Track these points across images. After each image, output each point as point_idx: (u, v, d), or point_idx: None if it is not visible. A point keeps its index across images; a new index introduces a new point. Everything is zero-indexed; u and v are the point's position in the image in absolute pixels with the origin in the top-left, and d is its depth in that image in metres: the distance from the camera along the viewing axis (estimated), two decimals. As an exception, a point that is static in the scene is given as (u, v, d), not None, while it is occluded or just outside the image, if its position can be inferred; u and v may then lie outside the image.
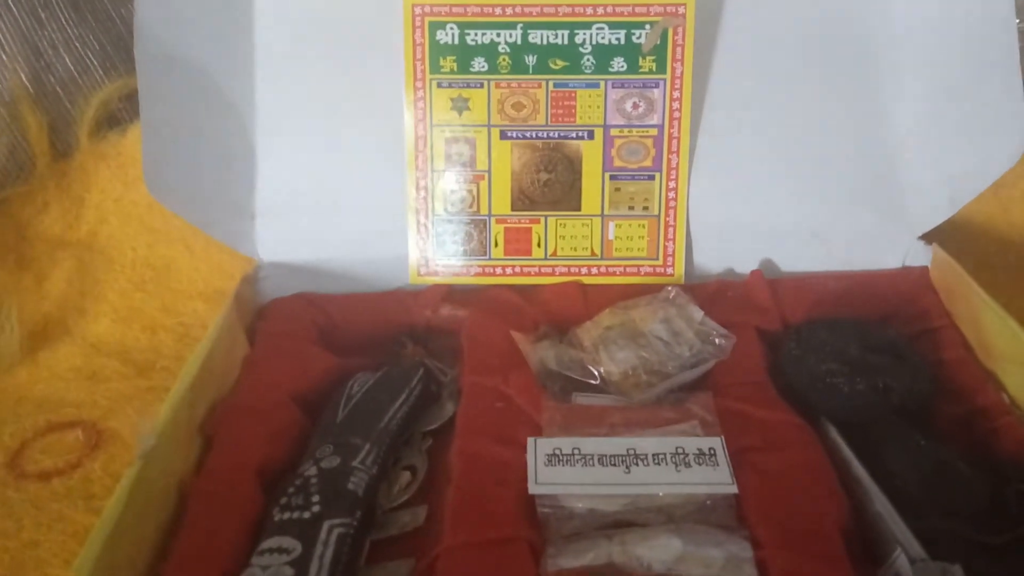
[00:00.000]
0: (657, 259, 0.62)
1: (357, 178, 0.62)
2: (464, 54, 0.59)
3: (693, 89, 0.59)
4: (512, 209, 0.61)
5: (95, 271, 0.66)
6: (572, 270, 0.62)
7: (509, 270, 0.62)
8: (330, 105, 0.61)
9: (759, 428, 0.48)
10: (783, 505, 0.43)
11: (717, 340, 0.54)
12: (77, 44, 0.68)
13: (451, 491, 0.45)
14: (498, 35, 0.59)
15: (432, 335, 0.60)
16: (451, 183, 0.61)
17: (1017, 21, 0.56)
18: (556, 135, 0.60)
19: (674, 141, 0.60)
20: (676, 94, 0.59)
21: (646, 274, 0.62)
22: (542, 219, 0.61)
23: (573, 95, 0.60)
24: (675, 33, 0.58)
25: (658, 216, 0.61)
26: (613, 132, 0.60)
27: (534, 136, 0.60)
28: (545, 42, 0.59)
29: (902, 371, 0.50)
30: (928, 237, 0.61)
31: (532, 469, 0.45)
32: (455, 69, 0.59)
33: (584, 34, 0.58)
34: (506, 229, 0.62)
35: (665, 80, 0.59)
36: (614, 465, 0.45)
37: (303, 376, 0.53)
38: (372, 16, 0.59)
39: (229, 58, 0.60)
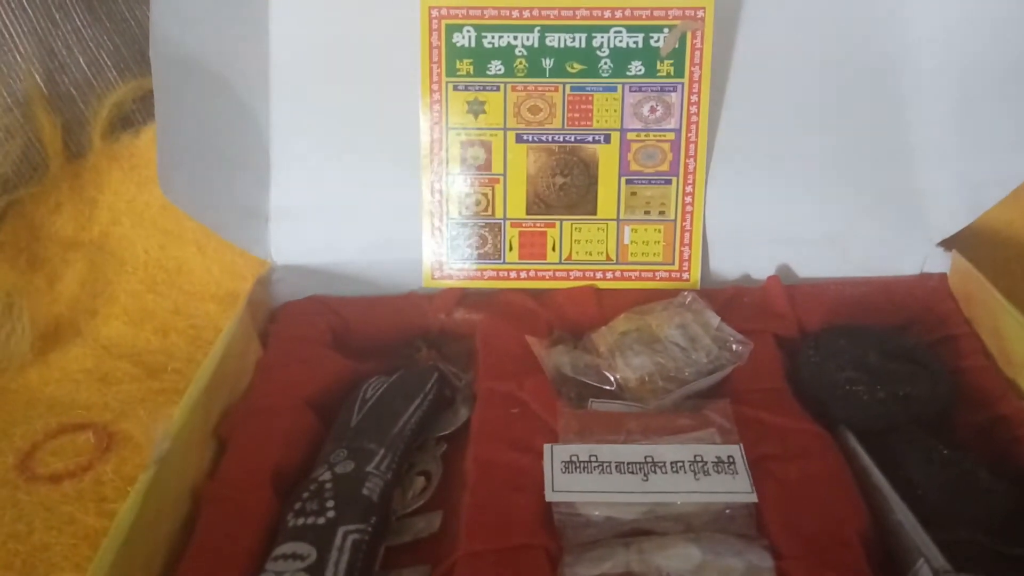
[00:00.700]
0: (673, 264, 0.61)
1: (371, 181, 0.62)
2: (481, 57, 0.59)
3: (711, 93, 0.59)
4: (527, 213, 0.61)
5: (107, 272, 0.66)
6: (587, 275, 0.62)
7: (524, 274, 0.62)
8: (345, 107, 0.61)
9: (778, 436, 0.47)
10: (803, 514, 0.43)
11: (734, 346, 0.53)
12: (91, 45, 0.68)
13: (467, 497, 0.44)
14: (515, 38, 0.58)
15: (446, 339, 0.60)
16: (466, 186, 0.61)
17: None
18: (572, 139, 0.60)
19: (691, 146, 0.60)
20: (694, 98, 0.59)
21: (662, 279, 0.62)
22: (557, 223, 0.61)
23: (590, 99, 0.59)
24: (693, 37, 0.58)
25: (674, 221, 0.61)
26: (630, 136, 0.60)
27: (550, 140, 0.60)
28: (562, 45, 0.58)
29: (922, 379, 0.50)
30: (947, 243, 0.61)
31: (549, 476, 0.44)
32: (471, 72, 0.59)
33: (602, 37, 0.58)
34: (521, 233, 0.61)
35: (683, 84, 0.59)
36: (632, 473, 0.44)
37: (317, 380, 0.53)
38: (389, 18, 0.59)
39: (244, 60, 0.60)
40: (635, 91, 0.59)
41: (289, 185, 0.63)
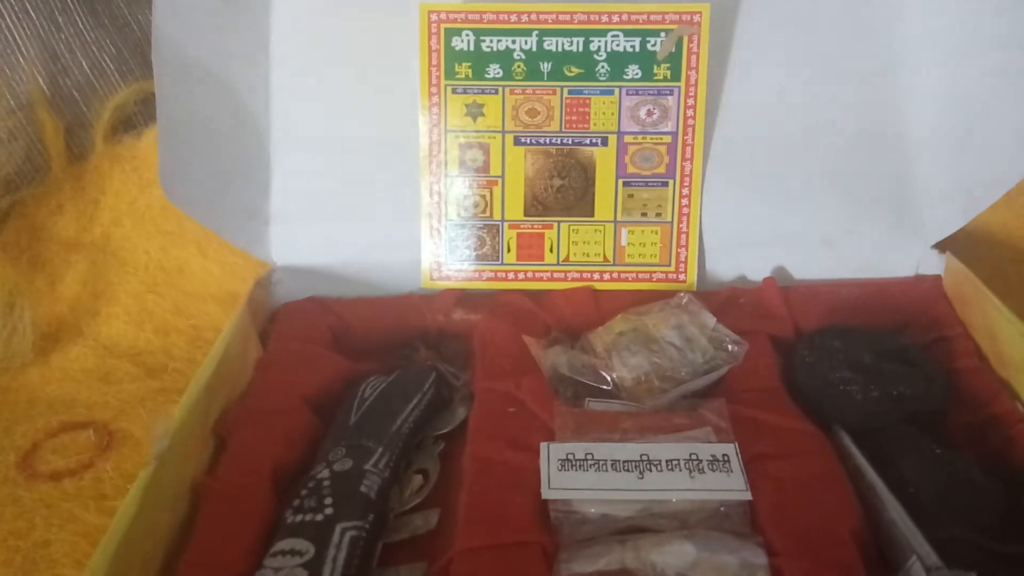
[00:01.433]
0: (670, 265, 0.62)
1: (371, 183, 0.62)
2: (479, 60, 0.59)
3: (707, 97, 0.60)
4: (525, 215, 0.61)
5: (108, 273, 0.67)
6: (584, 276, 0.62)
7: (521, 275, 0.62)
8: (345, 110, 0.62)
9: (772, 435, 0.48)
10: (797, 512, 0.43)
11: (730, 347, 0.54)
12: (94, 48, 0.68)
13: (463, 495, 0.45)
14: (513, 42, 0.59)
15: (444, 339, 0.60)
16: (464, 188, 0.61)
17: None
18: (570, 141, 0.60)
19: (688, 148, 0.60)
20: (690, 101, 0.59)
21: (658, 280, 0.62)
22: (555, 225, 0.62)
23: (587, 102, 0.60)
24: (690, 41, 0.58)
25: (671, 223, 0.61)
26: (627, 139, 0.60)
27: (548, 142, 0.60)
28: (560, 49, 0.59)
29: (916, 379, 0.50)
30: (942, 246, 0.61)
31: (545, 474, 0.45)
32: (470, 75, 0.60)
33: (599, 41, 0.59)
34: (519, 234, 0.62)
35: (679, 87, 0.59)
36: (628, 471, 0.45)
37: (316, 379, 0.53)
38: (388, 22, 0.59)
39: (244, 63, 0.60)
40: (632, 94, 0.60)
41: (289, 187, 0.63)
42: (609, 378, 0.52)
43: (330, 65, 0.61)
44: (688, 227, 0.61)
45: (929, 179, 0.61)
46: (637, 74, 0.59)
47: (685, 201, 0.61)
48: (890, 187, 0.62)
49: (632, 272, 0.62)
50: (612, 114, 0.60)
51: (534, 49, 0.59)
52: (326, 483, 0.44)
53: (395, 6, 0.59)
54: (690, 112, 0.60)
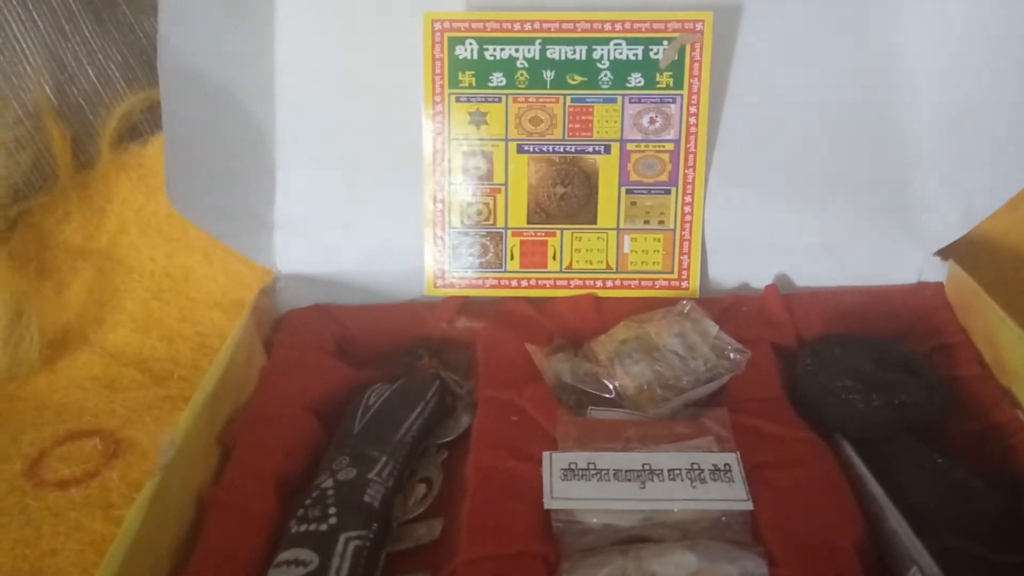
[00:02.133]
0: (672, 273, 0.62)
1: (375, 191, 0.63)
2: (483, 69, 0.59)
3: (710, 105, 0.60)
4: (528, 222, 0.62)
5: (114, 281, 0.67)
6: (587, 283, 0.62)
7: (524, 283, 0.62)
8: (349, 118, 0.62)
9: (774, 444, 0.48)
10: (798, 522, 0.43)
11: (732, 355, 0.54)
12: (100, 57, 0.68)
13: (467, 505, 0.45)
14: (516, 50, 0.59)
15: (448, 347, 0.61)
16: (468, 196, 0.61)
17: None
18: (573, 149, 0.61)
19: (690, 156, 0.60)
20: (693, 109, 0.60)
21: (661, 288, 0.62)
22: (558, 232, 0.62)
23: (590, 110, 0.60)
24: (692, 49, 0.59)
25: (674, 230, 0.62)
26: (630, 147, 0.60)
27: (551, 150, 0.61)
28: (563, 57, 0.59)
29: (917, 388, 0.50)
30: (943, 253, 0.61)
31: (548, 483, 0.45)
32: (473, 84, 0.60)
33: (602, 50, 0.59)
34: (522, 242, 0.62)
35: (682, 95, 0.59)
36: (629, 480, 0.45)
37: (320, 387, 0.53)
38: (392, 31, 0.60)
39: (249, 72, 0.61)
40: (635, 102, 0.60)
41: (294, 195, 0.63)
42: (611, 386, 0.53)
43: (334, 74, 0.61)
44: (691, 235, 0.62)
45: (931, 187, 0.61)
46: (640, 82, 0.60)
47: (688, 209, 0.61)
48: (892, 195, 0.62)
49: (635, 279, 0.62)
50: (615, 122, 0.60)
51: (537, 58, 0.59)
52: (330, 492, 0.44)
53: (399, 15, 0.59)
54: (692, 120, 0.60)
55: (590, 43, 0.59)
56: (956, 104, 0.59)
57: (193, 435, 0.46)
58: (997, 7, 0.55)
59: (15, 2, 0.64)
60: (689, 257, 0.62)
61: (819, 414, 0.50)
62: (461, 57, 0.59)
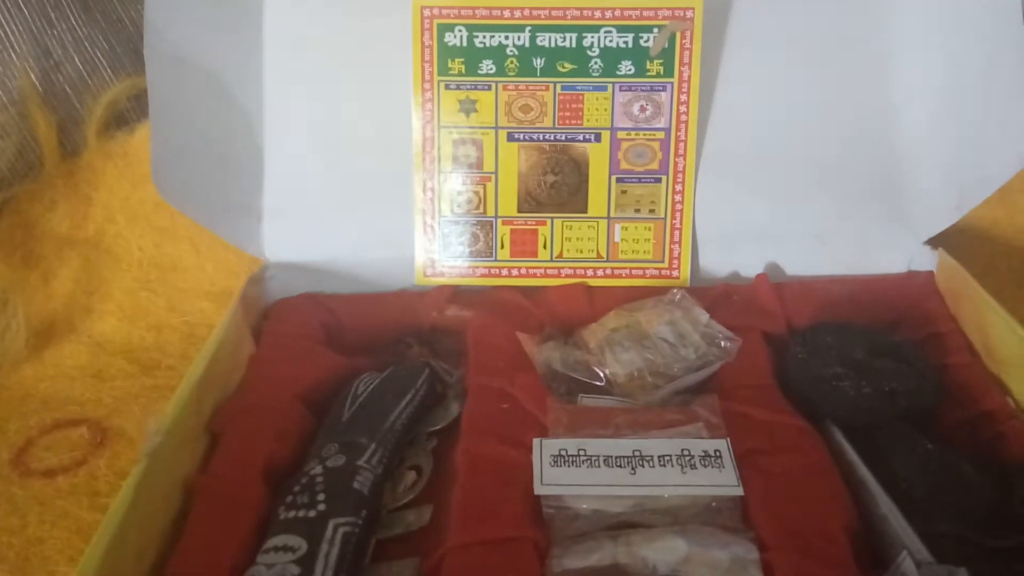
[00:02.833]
0: (663, 262, 0.62)
1: (364, 179, 0.62)
2: (472, 56, 0.59)
3: (700, 93, 0.60)
4: (518, 211, 0.62)
5: (102, 270, 0.67)
6: (578, 272, 0.62)
7: (515, 272, 0.62)
8: (338, 106, 0.62)
9: (764, 431, 0.48)
10: (788, 507, 0.43)
11: (723, 343, 0.54)
12: (86, 44, 0.68)
13: (456, 491, 0.45)
14: (506, 38, 0.59)
15: (438, 336, 0.60)
16: (458, 184, 0.61)
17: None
18: (563, 137, 0.60)
19: (681, 144, 0.60)
20: (683, 97, 0.59)
21: (652, 277, 0.62)
22: (548, 221, 0.62)
23: (580, 98, 0.60)
24: (683, 37, 0.58)
25: (664, 219, 0.61)
26: (620, 135, 0.60)
27: (541, 138, 0.60)
28: (553, 45, 0.59)
29: (908, 376, 0.50)
30: (934, 242, 0.61)
31: (538, 470, 0.45)
32: (463, 71, 0.60)
33: (592, 37, 0.59)
34: (512, 231, 0.62)
35: (672, 83, 0.59)
36: (620, 466, 0.45)
37: (309, 375, 0.53)
38: (381, 18, 0.59)
39: (237, 59, 0.60)
40: (625, 90, 0.60)
41: (282, 183, 0.63)
42: (602, 374, 0.53)
43: (323, 60, 0.61)
44: (681, 223, 0.61)
45: (921, 175, 0.61)
46: (630, 70, 0.59)
47: (678, 197, 0.61)
48: (883, 183, 0.62)
49: (625, 268, 0.62)
50: (605, 110, 0.60)
51: (527, 45, 0.59)
52: (319, 479, 0.44)
53: (388, 2, 0.59)
54: (683, 108, 0.60)
55: (580, 31, 0.59)
56: (946, 93, 0.60)
57: (180, 423, 0.45)
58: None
59: (0, -11, 0.64)
60: (680, 246, 0.62)
61: (810, 401, 0.50)
62: (450, 44, 0.59)
